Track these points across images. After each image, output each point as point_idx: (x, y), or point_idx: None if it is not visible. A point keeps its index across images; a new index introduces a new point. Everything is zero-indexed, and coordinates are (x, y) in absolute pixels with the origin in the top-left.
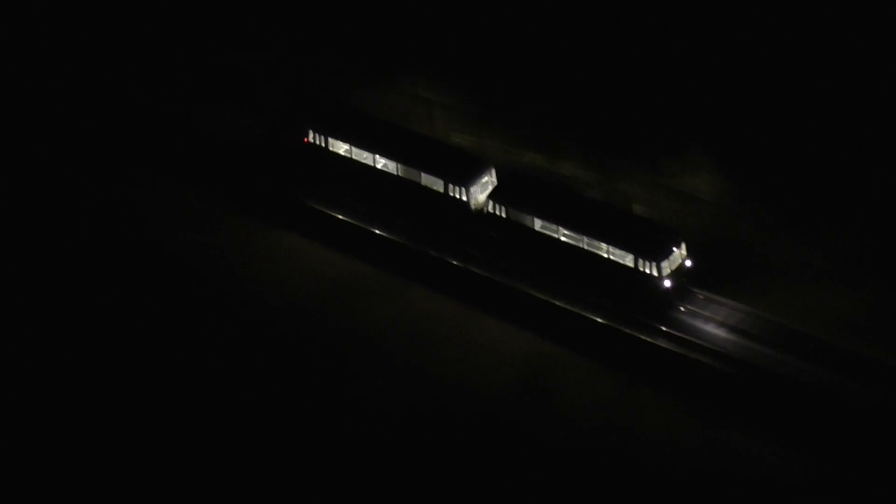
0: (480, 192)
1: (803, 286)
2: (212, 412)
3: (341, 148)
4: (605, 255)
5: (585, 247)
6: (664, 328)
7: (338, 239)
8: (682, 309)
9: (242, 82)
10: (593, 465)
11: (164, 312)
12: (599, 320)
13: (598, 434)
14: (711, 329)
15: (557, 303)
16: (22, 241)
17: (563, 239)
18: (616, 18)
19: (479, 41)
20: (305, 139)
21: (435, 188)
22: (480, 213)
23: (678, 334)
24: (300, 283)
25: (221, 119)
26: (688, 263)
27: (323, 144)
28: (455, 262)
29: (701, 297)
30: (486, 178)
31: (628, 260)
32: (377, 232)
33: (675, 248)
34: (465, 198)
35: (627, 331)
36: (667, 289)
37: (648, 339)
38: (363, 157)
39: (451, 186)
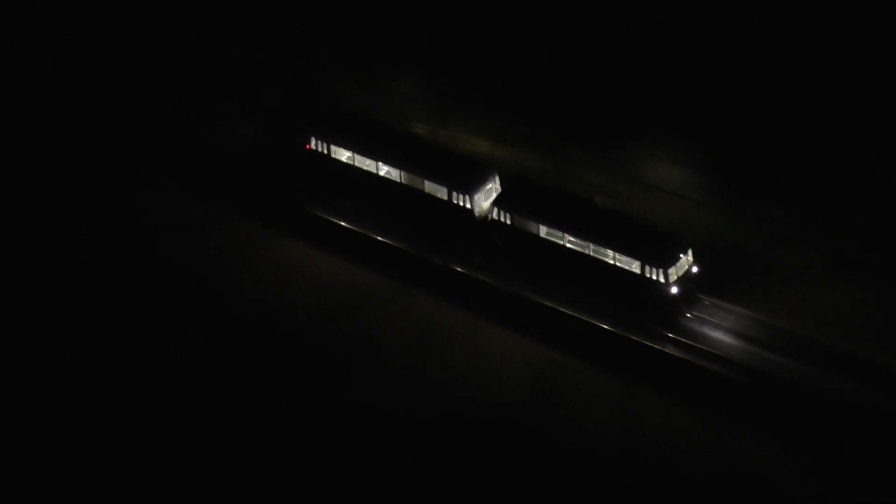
0: (484, 199)
1: (804, 287)
2: (211, 414)
3: (344, 155)
4: (612, 262)
5: (591, 253)
6: (672, 335)
7: (341, 246)
8: (689, 315)
9: (242, 82)
10: (599, 469)
11: (164, 314)
12: (606, 327)
13: (604, 439)
14: (720, 336)
15: (563, 309)
16: (22, 241)
17: (568, 246)
18: (616, 18)
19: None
20: (308, 146)
21: (438, 195)
22: (485, 219)
23: (686, 341)
24: (302, 289)
25: (221, 119)
26: (694, 270)
27: (325, 151)
28: (459, 269)
29: (707, 302)
30: (490, 185)
31: (635, 266)
32: (380, 239)
33: (681, 255)
34: (468, 205)
35: (634, 338)
36: (674, 295)
37: (656, 346)
38: (366, 164)
39: (454, 193)
